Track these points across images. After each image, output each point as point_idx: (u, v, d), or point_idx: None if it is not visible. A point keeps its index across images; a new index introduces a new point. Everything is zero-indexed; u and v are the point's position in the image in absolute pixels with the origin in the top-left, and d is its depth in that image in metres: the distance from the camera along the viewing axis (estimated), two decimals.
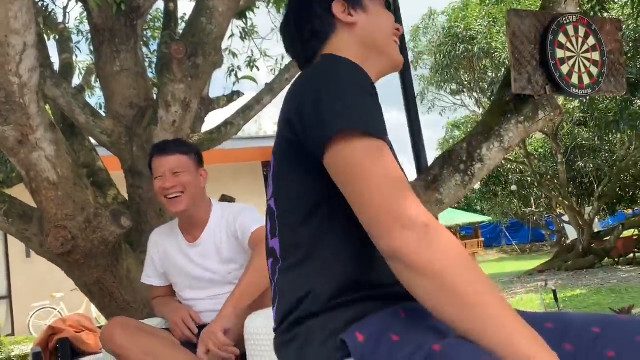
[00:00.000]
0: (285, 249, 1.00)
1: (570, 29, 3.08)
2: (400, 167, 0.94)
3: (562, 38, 3.04)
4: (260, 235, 1.88)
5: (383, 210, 0.83)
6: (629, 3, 7.05)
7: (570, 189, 12.55)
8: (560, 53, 3.03)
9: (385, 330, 0.86)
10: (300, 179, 0.98)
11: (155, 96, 3.26)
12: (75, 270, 2.78)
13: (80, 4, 4.09)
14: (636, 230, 11.81)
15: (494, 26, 12.12)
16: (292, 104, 0.97)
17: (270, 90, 3.85)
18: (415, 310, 0.89)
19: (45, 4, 4.99)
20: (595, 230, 12.09)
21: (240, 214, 2.01)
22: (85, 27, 5.85)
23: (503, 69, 11.39)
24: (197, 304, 2.06)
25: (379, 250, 0.85)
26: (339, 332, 0.88)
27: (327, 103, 0.90)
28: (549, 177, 12.59)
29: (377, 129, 0.89)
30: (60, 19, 5.14)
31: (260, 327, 1.76)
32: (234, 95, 4.52)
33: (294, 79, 1.09)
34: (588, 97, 9.83)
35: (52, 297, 9.11)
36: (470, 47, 12.38)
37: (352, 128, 0.87)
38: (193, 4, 3.07)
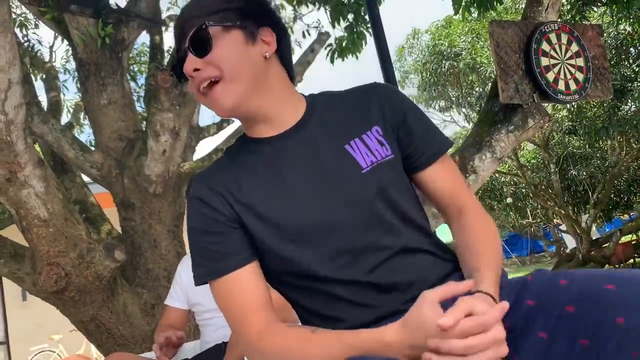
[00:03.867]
0: None
1: (552, 36, 3.10)
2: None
3: (545, 46, 3.07)
4: None
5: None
6: (608, 11, 7.17)
7: (565, 198, 12.54)
8: (544, 61, 3.05)
9: None
10: None
11: (143, 127, 3.25)
12: (70, 308, 2.73)
13: (65, 42, 4.11)
14: (634, 235, 11.79)
15: (478, 41, 12.27)
16: None
17: None
18: None
19: (31, 44, 5.01)
20: (594, 238, 12.05)
21: None
22: (72, 65, 5.86)
23: (489, 83, 11.50)
24: (214, 322, 2.10)
25: None
26: None
27: None
28: (543, 187, 12.60)
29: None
30: (46, 58, 5.16)
31: None
32: (224, 122, 4.51)
33: None
34: (576, 104, 9.92)
35: (51, 340, 8.93)
36: (455, 64, 12.49)
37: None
38: None
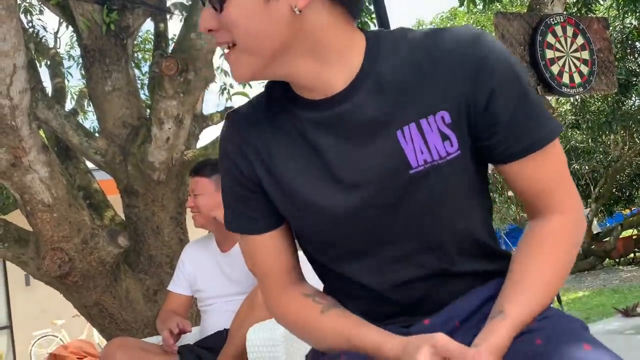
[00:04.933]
0: None
1: (558, 29, 3.10)
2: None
3: (550, 38, 3.07)
4: None
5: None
6: (614, 4, 7.14)
7: None
8: (549, 53, 3.05)
9: None
10: None
11: (148, 114, 3.26)
12: (73, 292, 2.76)
13: (70, 28, 4.11)
14: (635, 230, 11.80)
15: None
16: None
17: None
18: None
19: (36, 30, 5.01)
20: (595, 232, 12.06)
21: None
22: (76, 52, 5.87)
23: None
24: (216, 308, 2.12)
25: None
26: None
27: None
28: None
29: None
30: (51, 45, 5.16)
31: (262, 340, 1.75)
32: (228, 111, 4.52)
33: None
34: (580, 97, 9.89)
35: (54, 325, 9.01)
36: None
37: None
38: (183, 23, 3.08)
